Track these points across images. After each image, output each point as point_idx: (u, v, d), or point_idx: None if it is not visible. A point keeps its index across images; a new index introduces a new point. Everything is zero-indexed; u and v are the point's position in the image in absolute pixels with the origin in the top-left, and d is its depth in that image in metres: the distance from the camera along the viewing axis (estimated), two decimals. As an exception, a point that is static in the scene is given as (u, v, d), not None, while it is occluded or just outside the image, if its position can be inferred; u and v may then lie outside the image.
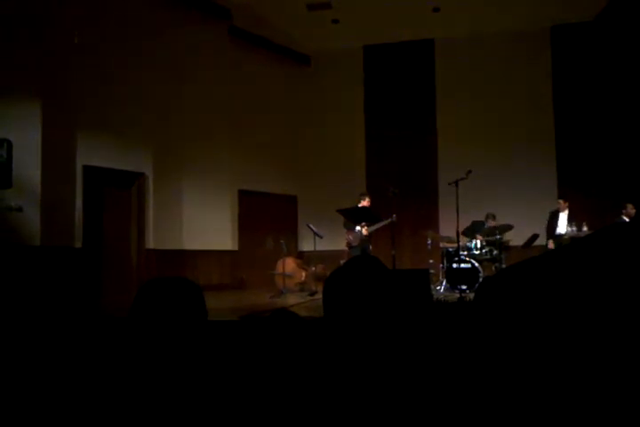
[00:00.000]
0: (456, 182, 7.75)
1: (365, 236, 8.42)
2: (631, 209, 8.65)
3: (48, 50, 7.63)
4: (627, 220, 8.54)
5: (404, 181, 11.02)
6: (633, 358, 0.74)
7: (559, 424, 0.76)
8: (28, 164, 7.29)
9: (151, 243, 9.09)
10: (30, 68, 7.46)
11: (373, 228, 8.47)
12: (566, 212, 9.01)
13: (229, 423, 1.35)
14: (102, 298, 7.94)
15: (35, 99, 7.51)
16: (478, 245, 8.76)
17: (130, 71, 8.69)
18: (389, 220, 8.28)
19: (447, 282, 8.55)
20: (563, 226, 8.93)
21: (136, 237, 8.99)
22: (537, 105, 11.09)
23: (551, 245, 8.87)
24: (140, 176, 9.03)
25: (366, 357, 1.32)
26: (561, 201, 9.13)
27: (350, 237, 8.46)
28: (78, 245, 7.91)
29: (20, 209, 7.20)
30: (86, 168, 8.16)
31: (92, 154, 8.20)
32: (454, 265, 8.47)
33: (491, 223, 9.04)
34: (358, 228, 8.41)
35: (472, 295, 7.52)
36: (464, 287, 7.99)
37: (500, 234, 8.65)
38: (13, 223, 7.21)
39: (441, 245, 9.70)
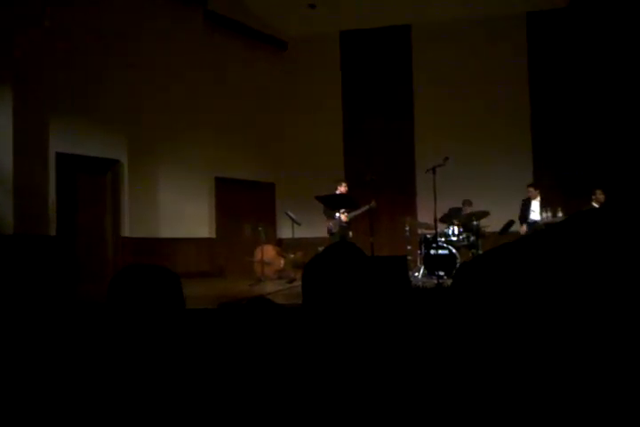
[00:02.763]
0: (433, 169, 7.79)
1: (345, 222, 8.45)
2: (600, 195, 8.77)
3: (19, 34, 7.44)
4: (596, 206, 8.68)
5: (382, 167, 11.03)
6: (612, 342, 0.75)
7: (543, 414, 0.76)
8: (0, 151, 7.14)
9: (127, 231, 9.00)
10: (0, 53, 7.27)
11: (353, 214, 8.50)
12: (538, 199, 9.08)
13: (209, 411, 1.34)
14: (77, 286, 7.84)
15: (5, 85, 7.33)
16: (456, 232, 8.83)
17: (102, 57, 8.53)
18: (367, 206, 8.33)
19: (425, 268, 8.61)
20: (536, 213, 9.02)
21: (111, 224, 8.90)
22: (513, 91, 11.16)
23: (524, 229, 8.96)
24: (114, 163, 8.91)
25: (345, 343, 1.32)
26: (531, 189, 9.15)
27: (331, 223, 8.49)
28: (52, 233, 7.79)
29: (-9, 197, 7.06)
30: (59, 155, 8.02)
31: (65, 141, 8.05)
32: (432, 251, 8.54)
33: (467, 210, 9.11)
34: (338, 215, 8.43)
35: (450, 281, 7.60)
36: (442, 273, 8.06)
37: (476, 220, 8.73)
38: (-15, 212, 7.08)
39: (419, 231, 9.77)
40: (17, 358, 1.61)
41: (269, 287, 7.80)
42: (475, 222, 8.72)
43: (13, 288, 6.60)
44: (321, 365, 1.27)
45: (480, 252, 8.55)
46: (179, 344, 1.52)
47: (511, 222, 8.95)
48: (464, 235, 8.80)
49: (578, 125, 10.76)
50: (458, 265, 8.25)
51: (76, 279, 8.07)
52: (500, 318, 0.82)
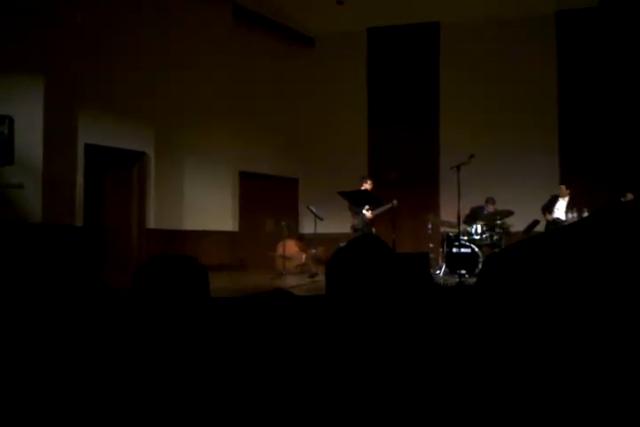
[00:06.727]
0: (458, 167, 7.74)
1: (369, 219, 8.44)
2: (631, 198, 8.66)
3: (51, 28, 7.55)
4: None
5: (406, 164, 10.98)
6: (633, 336, 0.75)
7: (564, 412, 0.76)
8: (30, 141, 7.26)
9: (152, 223, 9.09)
10: (33, 46, 7.39)
11: (377, 211, 8.50)
12: (567, 198, 9.00)
13: (232, 400, 1.36)
14: (102, 277, 7.95)
15: (37, 76, 7.46)
16: (479, 230, 8.76)
17: (133, 50, 8.60)
18: (390, 204, 8.33)
19: (447, 266, 8.56)
20: (561, 212, 8.94)
21: (137, 216, 9.00)
22: (541, 90, 11.01)
23: (550, 218, 8.95)
24: (141, 156, 9.01)
25: (366, 337, 1.32)
26: (563, 187, 9.13)
27: (355, 220, 8.50)
28: (79, 223, 7.91)
29: (20, 186, 7.19)
30: (88, 146, 8.14)
31: (93, 132, 8.16)
32: (454, 250, 8.48)
33: (490, 208, 9.03)
34: (363, 211, 8.43)
35: (471, 280, 7.55)
36: (463, 272, 8.01)
37: (500, 219, 8.66)
38: (14, 200, 7.21)
39: (441, 229, 9.71)
40: (39, 347, 1.63)
41: (291, 281, 7.83)
42: (498, 221, 8.65)
43: (39, 277, 6.70)
44: (341, 358, 1.28)
45: (503, 251, 8.45)
46: (202, 335, 1.53)
47: (536, 222, 8.87)
48: (487, 234, 8.73)
49: (606, 126, 10.57)
50: (480, 264, 8.19)
51: (100, 270, 8.18)
52: (524, 312, 0.82)
